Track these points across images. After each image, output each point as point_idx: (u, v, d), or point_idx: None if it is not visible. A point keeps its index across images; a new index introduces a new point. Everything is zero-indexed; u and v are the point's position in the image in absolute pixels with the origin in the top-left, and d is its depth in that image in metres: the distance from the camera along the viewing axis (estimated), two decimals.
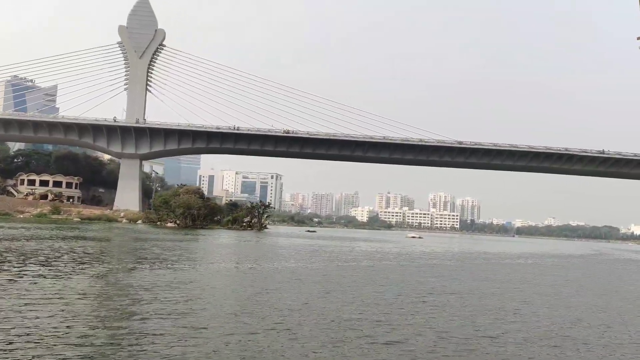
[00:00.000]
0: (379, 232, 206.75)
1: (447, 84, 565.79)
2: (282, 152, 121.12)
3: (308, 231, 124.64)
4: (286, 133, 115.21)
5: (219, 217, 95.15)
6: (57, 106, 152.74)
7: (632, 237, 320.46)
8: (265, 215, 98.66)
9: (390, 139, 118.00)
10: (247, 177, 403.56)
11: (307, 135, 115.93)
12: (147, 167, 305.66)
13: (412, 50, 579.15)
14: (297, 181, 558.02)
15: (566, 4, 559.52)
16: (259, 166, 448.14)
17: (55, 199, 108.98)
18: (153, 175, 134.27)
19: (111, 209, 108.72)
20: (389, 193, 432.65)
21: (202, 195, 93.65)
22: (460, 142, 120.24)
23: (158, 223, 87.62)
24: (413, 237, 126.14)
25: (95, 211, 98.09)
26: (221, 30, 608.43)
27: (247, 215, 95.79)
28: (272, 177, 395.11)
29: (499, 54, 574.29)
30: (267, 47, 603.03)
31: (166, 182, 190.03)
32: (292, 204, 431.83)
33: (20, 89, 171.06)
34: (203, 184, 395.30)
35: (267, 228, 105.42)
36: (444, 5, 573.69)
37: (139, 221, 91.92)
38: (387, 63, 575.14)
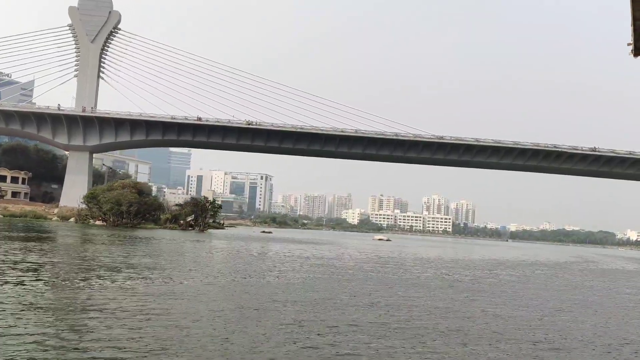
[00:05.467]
0: (361, 234, 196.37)
1: (438, 83, 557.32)
2: (245, 146, 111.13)
3: (263, 232, 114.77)
4: (249, 124, 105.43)
5: (160, 215, 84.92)
6: (33, 101, 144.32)
7: (628, 243, 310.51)
8: (208, 215, 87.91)
9: (364, 133, 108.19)
10: (236, 178, 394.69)
11: (272, 127, 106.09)
12: (132, 166, 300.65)
13: (402, 50, 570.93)
14: (291, 183, 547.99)
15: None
16: (251, 167, 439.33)
17: None
18: (104, 169, 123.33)
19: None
20: (381, 195, 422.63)
21: (139, 190, 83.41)
22: (440, 137, 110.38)
23: (89, 221, 77.76)
24: (380, 239, 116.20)
25: (27, 207, 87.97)
26: (216, 27, 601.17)
27: (192, 213, 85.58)
28: (261, 177, 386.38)
29: (487, 50, 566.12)
30: (256, 45, 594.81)
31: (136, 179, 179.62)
32: (283, 206, 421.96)
33: None
34: (192, 184, 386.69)
35: (223, 228, 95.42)
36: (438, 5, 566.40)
37: (72, 219, 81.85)
38: (375, 61, 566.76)
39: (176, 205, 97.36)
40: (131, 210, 74.86)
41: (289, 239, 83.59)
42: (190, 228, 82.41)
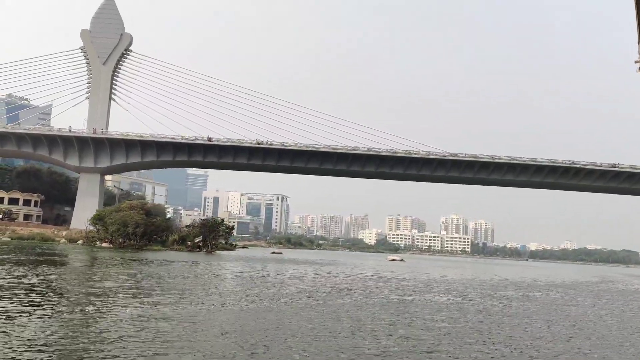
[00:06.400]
0: (377, 255, 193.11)
1: (446, 97, 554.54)
2: (256, 166, 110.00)
3: (273, 253, 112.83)
4: (260, 144, 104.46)
5: (168, 236, 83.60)
6: (52, 124, 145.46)
7: None
8: (218, 236, 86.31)
9: (376, 151, 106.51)
10: (252, 199, 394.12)
11: (283, 147, 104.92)
12: (149, 188, 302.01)
13: (411, 64, 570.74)
14: (308, 203, 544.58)
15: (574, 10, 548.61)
16: (268, 187, 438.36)
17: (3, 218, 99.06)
18: (116, 191, 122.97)
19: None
20: (399, 215, 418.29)
21: (147, 211, 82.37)
22: (454, 155, 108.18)
23: (96, 243, 76.71)
24: (394, 259, 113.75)
25: (35, 230, 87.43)
26: (223, 45, 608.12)
27: (200, 234, 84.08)
28: (277, 198, 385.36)
29: (501, 63, 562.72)
30: (265, 62, 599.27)
31: (149, 201, 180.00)
32: (300, 226, 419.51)
33: (14, 107, 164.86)
34: (208, 205, 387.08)
35: (235, 249, 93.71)
36: (444, 19, 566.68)
37: (80, 241, 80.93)
38: (385, 78, 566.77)
39: (186, 226, 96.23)
40: (137, 231, 73.72)
41: (296, 260, 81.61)
42: (197, 249, 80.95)
